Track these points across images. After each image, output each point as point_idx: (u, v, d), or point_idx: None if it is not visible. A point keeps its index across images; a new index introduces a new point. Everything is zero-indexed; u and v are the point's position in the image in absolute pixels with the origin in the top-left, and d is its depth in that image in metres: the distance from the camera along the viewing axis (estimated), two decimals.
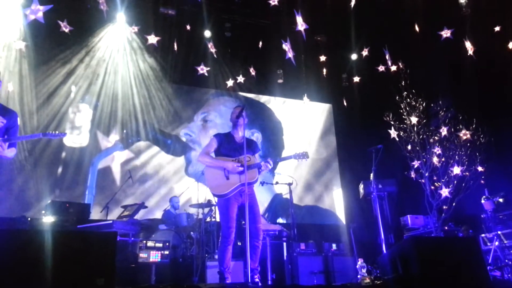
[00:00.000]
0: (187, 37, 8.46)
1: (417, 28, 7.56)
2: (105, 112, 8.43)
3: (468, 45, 7.11)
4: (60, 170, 7.79)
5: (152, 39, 8.05)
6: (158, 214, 7.67)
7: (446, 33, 7.23)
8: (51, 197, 7.25)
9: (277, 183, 7.25)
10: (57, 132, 4.20)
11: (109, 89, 8.55)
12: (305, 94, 9.08)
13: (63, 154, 7.90)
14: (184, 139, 9.00)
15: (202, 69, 8.78)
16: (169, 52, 8.57)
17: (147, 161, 8.53)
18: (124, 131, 8.53)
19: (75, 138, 8.13)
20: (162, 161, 8.69)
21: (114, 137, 8.45)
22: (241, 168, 4.02)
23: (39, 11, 5.94)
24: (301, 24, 6.90)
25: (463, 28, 7.26)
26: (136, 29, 7.94)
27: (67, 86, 8.22)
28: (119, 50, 8.57)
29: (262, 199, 8.72)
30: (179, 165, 8.81)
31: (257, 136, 9.49)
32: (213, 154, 4.28)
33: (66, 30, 7.32)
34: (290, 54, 7.55)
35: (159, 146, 8.76)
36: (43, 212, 6.06)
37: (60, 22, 7.26)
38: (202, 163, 4.29)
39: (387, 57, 7.96)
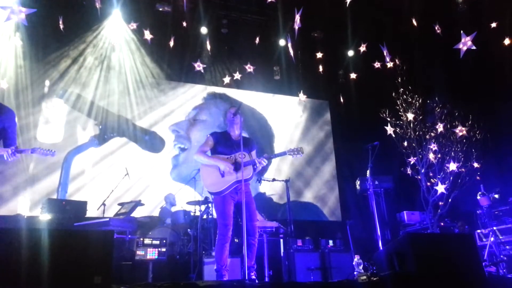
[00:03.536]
0: (184, 34, 8.42)
1: (414, 22, 7.53)
2: (84, 108, 8.24)
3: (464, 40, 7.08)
4: (32, 166, 7.51)
5: (147, 35, 8.01)
6: (145, 212, 7.51)
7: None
8: (23, 194, 7.15)
9: (274, 179, 7.27)
10: (46, 150, 4.12)
11: (101, 84, 8.44)
12: (301, 91, 9.04)
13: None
14: (173, 135, 8.83)
15: (199, 66, 8.75)
16: (165, 49, 8.50)
17: (131, 157, 8.31)
18: (100, 126, 8.32)
19: (48, 134, 7.85)
20: (151, 158, 8.56)
21: (90, 132, 8.24)
22: (231, 168, 4.02)
23: (21, 13, 5.71)
24: (297, 22, 6.88)
25: (460, 24, 7.26)
26: (134, 25, 7.90)
27: (62, 84, 8.14)
28: (114, 47, 8.49)
29: None
30: (168, 162, 8.69)
31: None
32: (209, 153, 4.30)
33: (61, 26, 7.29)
34: (291, 50, 7.54)
35: (135, 142, 8.52)
36: (40, 209, 6.05)
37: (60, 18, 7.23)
38: (198, 161, 4.34)
39: (385, 53, 7.93)
